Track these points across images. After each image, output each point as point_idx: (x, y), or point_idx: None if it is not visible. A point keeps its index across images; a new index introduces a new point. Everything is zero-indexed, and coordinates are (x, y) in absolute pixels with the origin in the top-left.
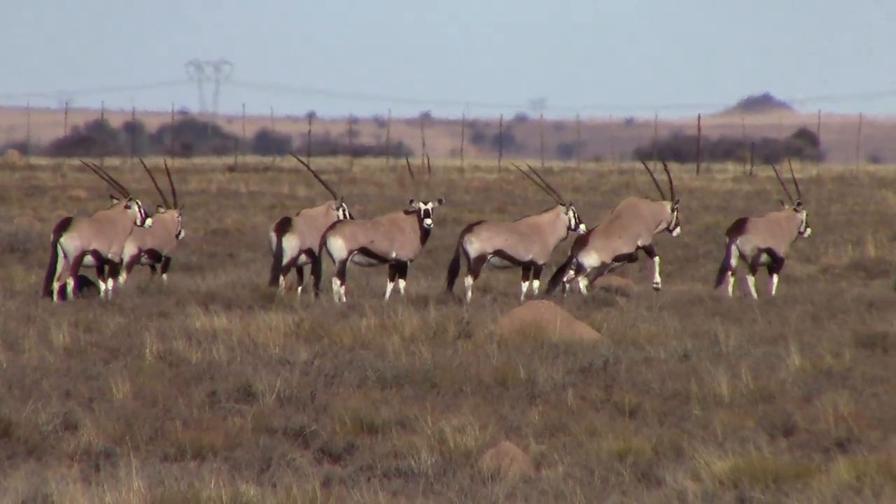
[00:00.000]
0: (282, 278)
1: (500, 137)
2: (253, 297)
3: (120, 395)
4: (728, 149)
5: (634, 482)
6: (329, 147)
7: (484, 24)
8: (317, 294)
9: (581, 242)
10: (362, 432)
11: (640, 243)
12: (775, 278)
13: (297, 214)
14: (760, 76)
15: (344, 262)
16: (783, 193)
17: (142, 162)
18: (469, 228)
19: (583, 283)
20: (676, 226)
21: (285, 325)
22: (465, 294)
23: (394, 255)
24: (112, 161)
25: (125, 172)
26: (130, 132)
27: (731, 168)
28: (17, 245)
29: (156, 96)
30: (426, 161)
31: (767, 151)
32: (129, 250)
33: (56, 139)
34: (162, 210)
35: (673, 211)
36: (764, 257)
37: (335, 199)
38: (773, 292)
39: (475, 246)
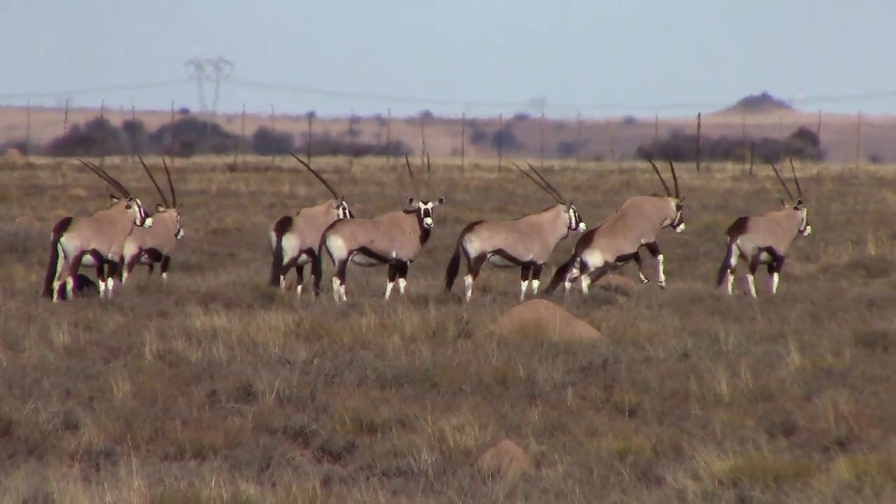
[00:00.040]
0: (282, 278)
1: (500, 136)
2: (253, 297)
3: (120, 394)
4: (728, 148)
5: (634, 481)
6: (329, 146)
7: (484, 23)
8: (317, 293)
9: (585, 241)
10: (362, 431)
11: (643, 241)
12: (776, 277)
13: (298, 214)
14: (760, 76)
15: (344, 262)
16: (783, 192)
17: (141, 161)
18: (469, 228)
19: (585, 282)
20: (681, 222)
21: (285, 325)
22: (464, 293)
23: (394, 254)
24: (112, 160)
25: (125, 172)
26: (130, 131)
27: (731, 167)
28: (17, 244)
29: (156, 95)
30: (426, 160)
31: (767, 151)
32: (130, 250)
33: (56, 138)
34: (161, 209)
35: (678, 208)
36: (764, 256)
37: (335, 198)
38: (774, 291)
39: (475, 245)
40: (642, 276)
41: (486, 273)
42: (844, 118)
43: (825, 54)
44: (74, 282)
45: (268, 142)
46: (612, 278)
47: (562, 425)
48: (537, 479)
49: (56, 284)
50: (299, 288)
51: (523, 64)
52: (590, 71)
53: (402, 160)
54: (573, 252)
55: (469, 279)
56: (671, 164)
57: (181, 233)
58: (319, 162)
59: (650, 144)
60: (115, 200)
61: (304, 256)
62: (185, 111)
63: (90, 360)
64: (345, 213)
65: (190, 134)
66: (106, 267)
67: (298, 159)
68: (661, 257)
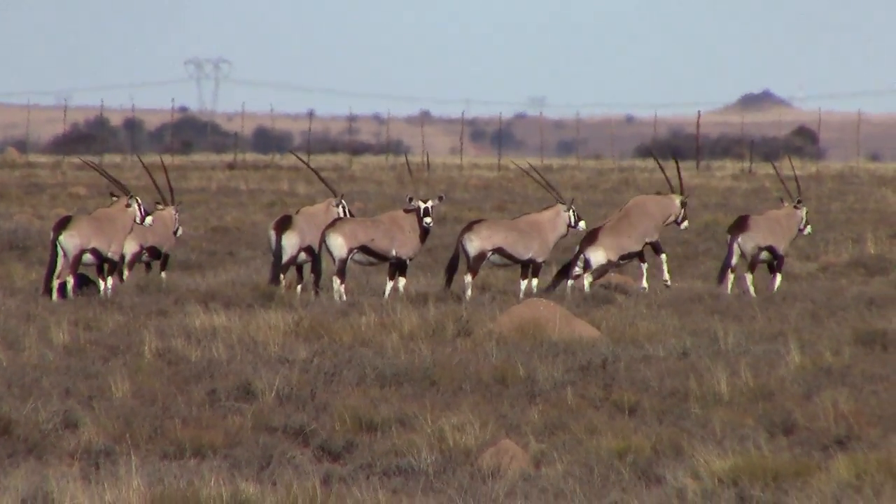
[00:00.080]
0: (282, 276)
1: (499, 135)
2: (253, 296)
3: (119, 393)
4: (727, 146)
5: (634, 480)
6: (328, 145)
7: (484, 22)
8: (317, 292)
9: (590, 239)
10: (362, 430)
11: (648, 240)
12: (778, 276)
13: (297, 212)
14: (760, 73)
15: (344, 261)
16: (783, 191)
17: (140, 159)
18: (469, 227)
19: (587, 280)
20: (684, 219)
21: (285, 324)
22: (464, 292)
23: (394, 253)
24: (112, 158)
25: (125, 170)
26: (130, 130)
27: (731, 165)
28: (16, 243)
29: (155, 94)
30: (426, 159)
31: (767, 149)
32: (131, 248)
33: (55, 136)
34: (160, 207)
35: (683, 205)
36: (765, 255)
37: (335, 196)
38: (776, 290)
39: (475, 244)
40: (644, 284)
41: (486, 272)
42: (844, 116)
43: (825, 52)
44: (75, 280)
45: (267, 140)
46: (612, 277)
47: (561, 424)
48: (537, 478)
49: (56, 283)
50: (299, 287)
51: (523, 63)
52: (589, 69)
53: (402, 159)
54: (577, 250)
55: (468, 278)
56: (676, 160)
57: (180, 230)
58: (319, 160)
59: (649, 143)
60: (115, 199)
61: (303, 255)
62: (184, 110)
63: (90, 359)
64: (344, 212)
65: (189, 132)
66: (106, 266)
67: (298, 157)
68: (664, 256)
